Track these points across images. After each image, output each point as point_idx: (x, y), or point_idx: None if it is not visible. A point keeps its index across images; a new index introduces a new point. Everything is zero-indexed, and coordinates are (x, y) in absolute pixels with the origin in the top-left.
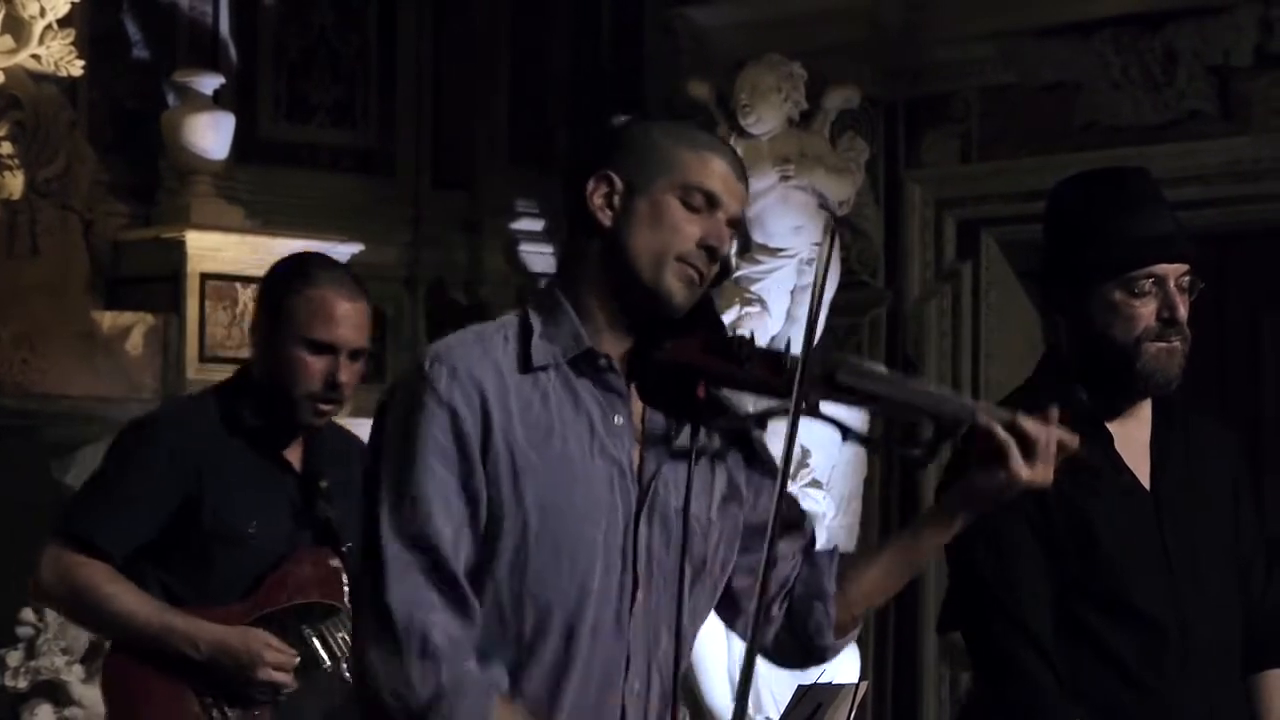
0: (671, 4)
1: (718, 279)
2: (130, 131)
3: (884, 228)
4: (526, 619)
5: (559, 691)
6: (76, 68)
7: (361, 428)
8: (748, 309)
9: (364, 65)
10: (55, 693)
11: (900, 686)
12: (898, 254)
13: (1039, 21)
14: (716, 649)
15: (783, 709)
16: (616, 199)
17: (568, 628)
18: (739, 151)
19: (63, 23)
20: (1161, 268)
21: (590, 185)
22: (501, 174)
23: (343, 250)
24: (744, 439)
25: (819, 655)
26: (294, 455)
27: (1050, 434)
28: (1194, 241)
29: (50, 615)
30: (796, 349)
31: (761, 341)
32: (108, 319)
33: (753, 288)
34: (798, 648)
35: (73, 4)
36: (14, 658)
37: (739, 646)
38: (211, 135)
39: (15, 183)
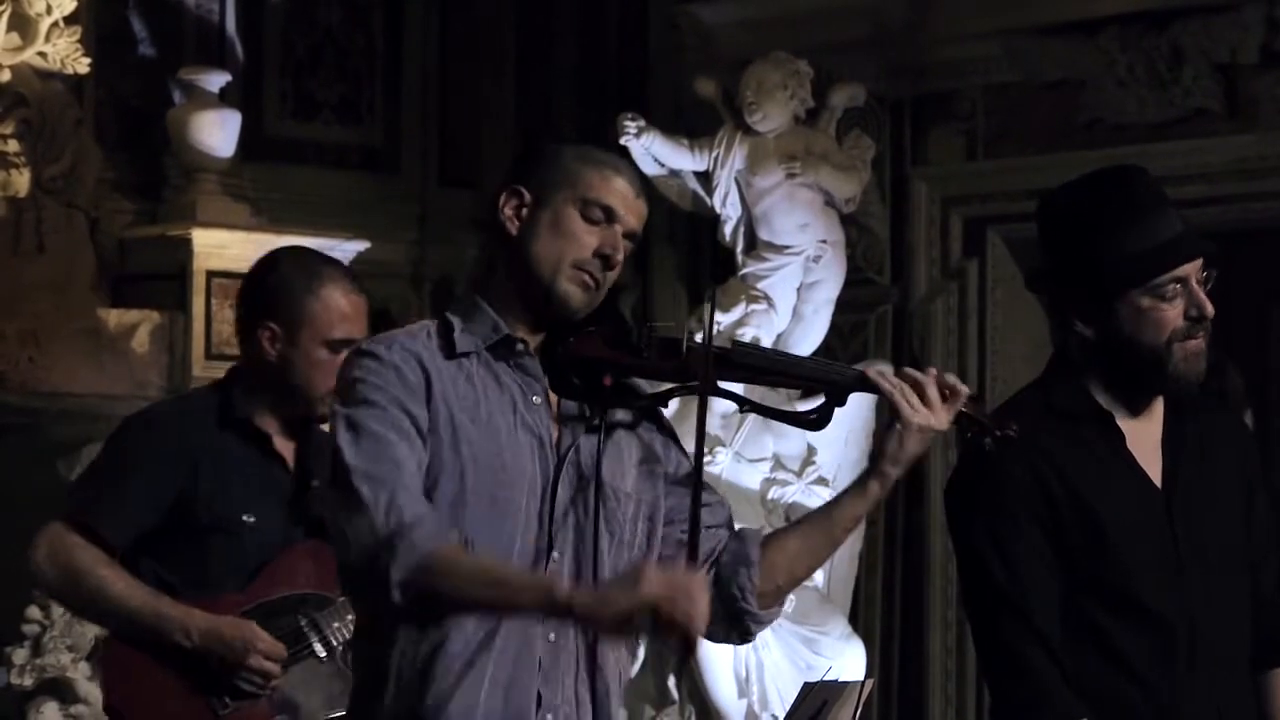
0: (677, 1)
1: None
2: (136, 129)
3: (890, 225)
4: None
5: (491, 637)
6: (83, 65)
7: None
8: (754, 306)
9: (370, 63)
10: (61, 690)
11: (906, 684)
12: (903, 251)
13: (1044, 19)
14: (722, 648)
15: (789, 706)
16: (524, 210)
17: None
18: (745, 149)
19: (69, 20)
20: (1184, 268)
21: (503, 198)
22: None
23: (349, 248)
24: (652, 413)
25: (743, 622)
26: (287, 451)
27: (932, 376)
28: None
29: (56, 613)
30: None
31: (768, 340)
32: (113, 316)
33: (759, 285)
34: (724, 615)
35: (79, 1)
36: (20, 655)
37: (745, 646)
38: (217, 133)
39: (21, 180)
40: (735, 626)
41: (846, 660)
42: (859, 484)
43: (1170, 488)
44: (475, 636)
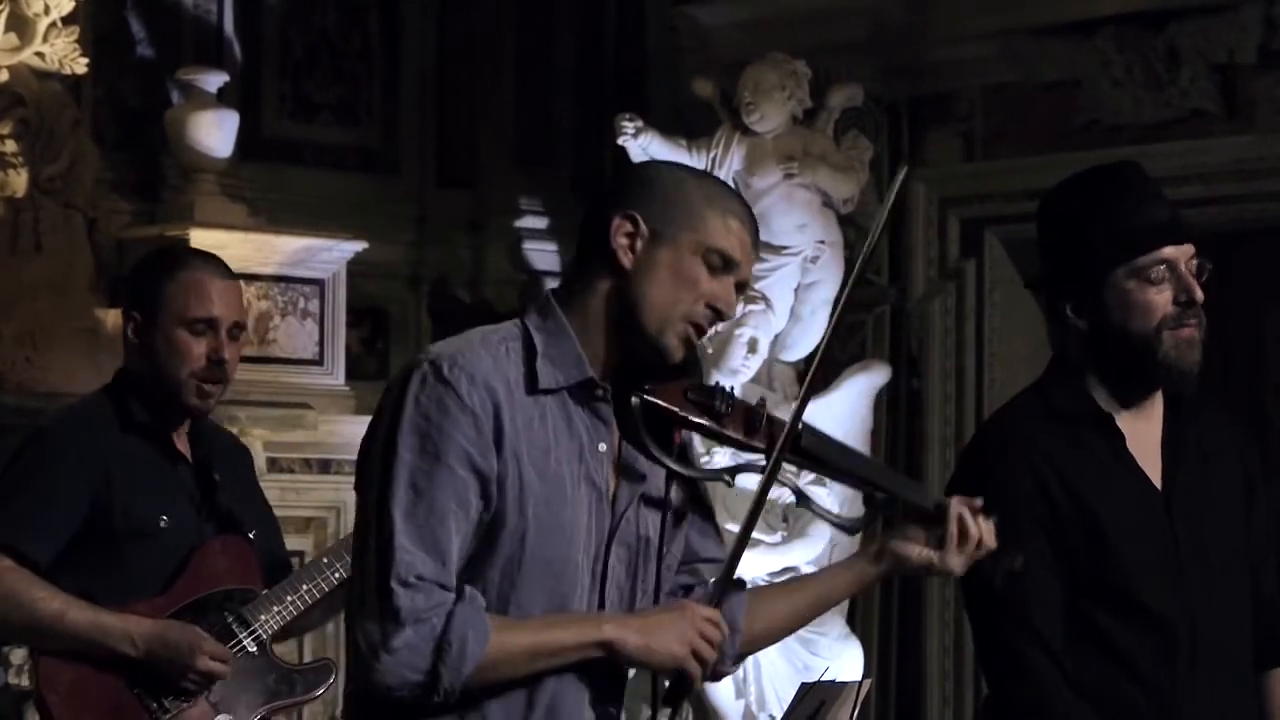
0: (675, 3)
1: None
2: (134, 129)
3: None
4: None
5: (534, 695)
6: (81, 65)
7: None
8: (752, 307)
9: (368, 64)
10: None
11: (903, 684)
12: (901, 252)
13: (1042, 20)
14: None
15: (786, 706)
16: (639, 243)
17: None
18: (743, 150)
19: (67, 20)
20: (1170, 251)
21: (616, 222)
22: (505, 173)
23: (346, 248)
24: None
25: (714, 674)
26: (183, 447)
27: (978, 536)
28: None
29: None
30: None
31: (765, 341)
32: (111, 317)
33: (757, 285)
34: None
35: (77, 2)
36: (17, 655)
37: None
38: (215, 133)
39: (19, 180)
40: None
41: (844, 661)
42: (854, 568)
43: (1170, 489)
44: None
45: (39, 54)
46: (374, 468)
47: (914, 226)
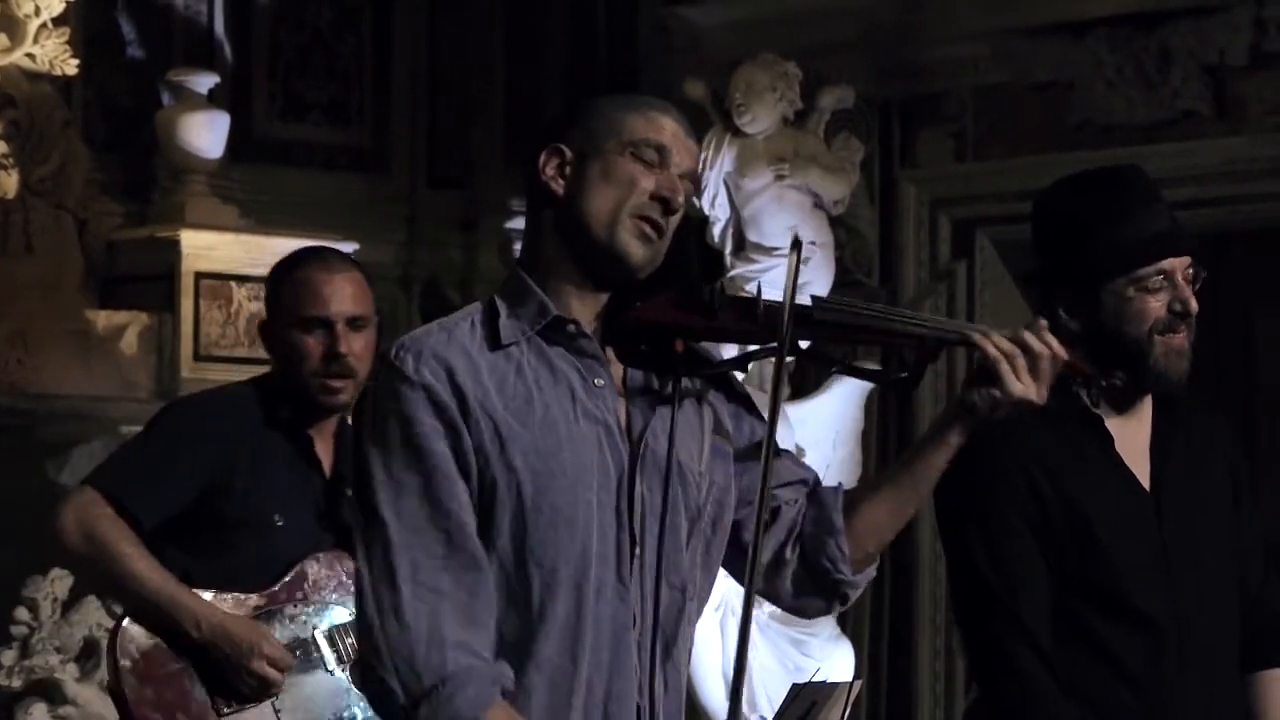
0: (666, 3)
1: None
2: (125, 130)
3: (879, 227)
4: (533, 586)
5: (576, 654)
6: (71, 66)
7: None
8: None
9: (359, 64)
10: (50, 692)
11: (895, 685)
12: (892, 253)
13: (1033, 20)
14: (710, 648)
15: (777, 708)
16: (568, 168)
17: (575, 590)
18: (734, 151)
19: (57, 21)
20: (1169, 262)
21: (542, 159)
22: (497, 173)
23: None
24: (725, 380)
25: (840, 591)
26: (325, 456)
27: (1045, 346)
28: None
29: (44, 614)
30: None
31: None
32: (102, 318)
33: (748, 287)
34: (816, 586)
35: (67, 3)
36: (8, 656)
37: (733, 646)
38: (206, 134)
39: (9, 182)
40: (831, 597)
41: (835, 661)
42: (937, 436)
43: (1159, 490)
44: None
45: (29, 55)
46: (360, 466)
47: (905, 227)
